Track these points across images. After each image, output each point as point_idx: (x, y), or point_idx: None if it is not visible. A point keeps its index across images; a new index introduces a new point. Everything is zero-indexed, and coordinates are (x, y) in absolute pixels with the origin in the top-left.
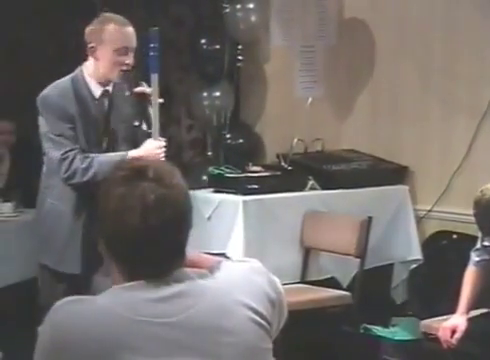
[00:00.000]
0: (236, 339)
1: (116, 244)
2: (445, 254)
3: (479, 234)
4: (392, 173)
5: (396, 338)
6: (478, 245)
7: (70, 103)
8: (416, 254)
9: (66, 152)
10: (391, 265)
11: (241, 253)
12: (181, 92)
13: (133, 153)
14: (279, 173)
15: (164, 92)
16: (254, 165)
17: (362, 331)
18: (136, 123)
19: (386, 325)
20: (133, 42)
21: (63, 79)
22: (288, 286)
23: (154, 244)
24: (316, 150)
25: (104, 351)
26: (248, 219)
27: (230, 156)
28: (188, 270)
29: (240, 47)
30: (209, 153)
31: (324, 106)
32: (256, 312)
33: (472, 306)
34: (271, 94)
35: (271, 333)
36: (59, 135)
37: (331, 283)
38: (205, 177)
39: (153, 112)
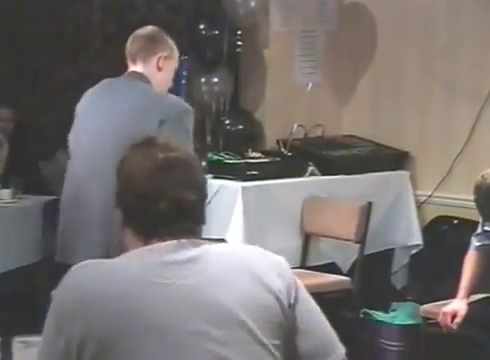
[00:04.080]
0: (239, 311)
1: (130, 205)
2: (445, 239)
3: (480, 219)
4: (393, 158)
5: (396, 323)
6: (479, 230)
7: None
8: (416, 239)
9: None
10: (391, 250)
11: (241, 239)
12: None
13: None
14: (279, 159)
15: None
16: (254, 151)
17: (362, 316)
18: None
19: (386, 310)
20: None
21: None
22: (294, 275)
23: (166, 202)
24: (316, 136)
25: (118, 311)
26: (247, 205)
27: (229, 142)
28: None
29: (239, 32)
30: (208, 139)
31: (324, 92)
32: (267, 286)
33: (472, 291)
34: (271, 80)
35: (283, 308)
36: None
37: (331, 268)
38: (204, 163)
39: None
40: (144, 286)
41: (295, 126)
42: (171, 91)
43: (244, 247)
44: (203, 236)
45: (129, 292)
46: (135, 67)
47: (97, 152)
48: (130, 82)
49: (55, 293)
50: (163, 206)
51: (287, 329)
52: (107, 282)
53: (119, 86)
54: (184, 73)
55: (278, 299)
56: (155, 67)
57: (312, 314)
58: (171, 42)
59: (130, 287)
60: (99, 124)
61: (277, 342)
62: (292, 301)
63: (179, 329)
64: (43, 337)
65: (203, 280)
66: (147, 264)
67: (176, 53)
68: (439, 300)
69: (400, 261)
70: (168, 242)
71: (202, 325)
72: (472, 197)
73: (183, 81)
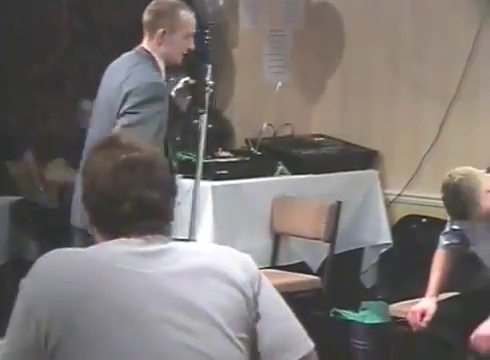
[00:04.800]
0: (206, 304)
1: (94, 205)
2: (414, 238)
3: (448, 218)
4: (362, 157)
5: (366, 322)
6: (447, 229)
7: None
8: (386, 238)
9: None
10: (361, 249)
11: (210, 238)
12: None
13: None
14: (248, 158)
15: None
16: (223, 150)
17: (332, 315)
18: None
19: (356, 309)
20: (195, 28)
21: (147, 65)
22: (260, 270)
23: (128, 202)
24: (285, 135)
25: (85, 294)
26: (217, 204)
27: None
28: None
29: (207, 31)
30: (178, 138)
31: (293, 91)
32: (232, 281)
33: (441, 289)
34: (240, 79)
35: (248, 302)
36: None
37: (301, 268)
38: (174, 163)
39: (206, 100)
40: (112, 272)
41: (264, 125)
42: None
43: (210, 245)
44: (175, 236)
45: (96, 277)
46: (143, 41)
47: (95, 124)
48: (126, 58)
49: (24, 280)
50: (126, 206)
51: (252, 322)
52: (76, 268)
53: (118, 62)
54: (206, 38)
55: (243, 293)
56: (156, 42)
57: (277, 306)
58: (182, 14)
59: (97, 273)
60: (98, 100)
61: (243, 335)
62: (256, 294)
63: (147, 315)
64: (11, 324)
65: (171, 272)
66: (115, 253)
67: (185, 24)
68: (408, 299)
69: (369, 260)
70: (133, 239)
71: (170, 313)
72: (440, 196)
73: (205, 46)
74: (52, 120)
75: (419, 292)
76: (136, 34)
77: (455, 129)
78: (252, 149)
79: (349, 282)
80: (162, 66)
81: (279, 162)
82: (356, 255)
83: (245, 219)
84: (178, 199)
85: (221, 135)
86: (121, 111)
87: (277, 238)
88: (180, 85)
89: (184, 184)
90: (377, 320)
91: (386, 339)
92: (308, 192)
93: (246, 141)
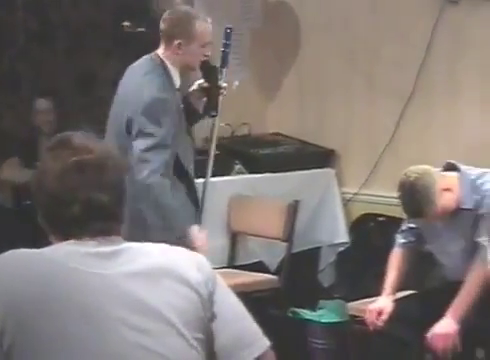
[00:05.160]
0: (160, 304)
1: (44, 207)
2: (371, 236)
3: (404, 216)
4: (319, 156)
5: (323, 321)
6: (403, 227)
7: (172, 100)
8: (343, 237)
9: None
10: (318, 248)
11: None
12: (105, 75)
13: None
14: (206, 158)
15: (88, 75)
16: None
17: (290, 315)
18: (213, 113)
19: (313, 308)
20: (211, 36)
21: (157, 73)
22: (215, 271)
23: (77, 204)
24: (243, 134)
25: (40, 293)
26: None
27: None
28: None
29: None
30: None
31: (250, 90)
32: (187, 281)
33: (398, 288)
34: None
35: (203, 302)
36: (160, 146)
37: (259, 267)
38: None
39: (220, 102)
40: (68, 272)
41: (222, 124)
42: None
43: (164, 246)
44: None
45: (53, 277)
46: (159, 48)
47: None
48: (141, 63)
49: None
50: (75, 209)
51: (207, 321)
52: (32, 268)
53: (134, 66)
54: (227, 42)
55: (198, 293)
56: (172, 52)
57: (231, 305)
58: (198, 25)
59: (54, 273)
60: (114, 101)
61: (199, 336)
62: (211, 294)
63: (104, 315)
64: None
65: (126, 273)
66: (70, 253)
67: (201, 35)
68: (366, 297)
69: (327, 259)
70: (85, 241)
71: (126, 314)
72: (397, 194)
73: (225, 50)
74: (6, 119)
75: (376, 290)
76: (91, 34)
77: (411, 128)
78: None
79: (307, 281)
80: (176, 73)
81: (236, 161)
82: (313, 254)
83: (202, 218)
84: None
85: None
86: (133, 132)
87: (234, 237)
88: (195, 87)
89: None
90: (334, 319)
91: (343, 338)
92: (265, 191)
93: (204, 140)
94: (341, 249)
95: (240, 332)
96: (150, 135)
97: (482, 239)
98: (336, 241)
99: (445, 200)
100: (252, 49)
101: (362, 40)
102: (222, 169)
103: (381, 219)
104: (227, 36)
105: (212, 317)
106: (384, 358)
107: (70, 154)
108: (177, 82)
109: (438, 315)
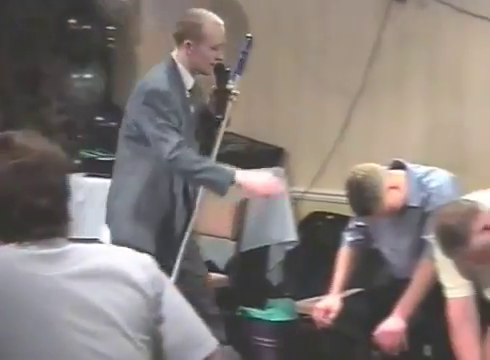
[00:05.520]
0: (105, 305)
1: None
2: (320, 235)
3: (352, 214)
4: (267, 155)
5: (272, 320)
6: (351, 225)
7: (176, 98)
8: (292, 236)
9: (180, 142)
10: (267, 247)
11: None
12: (51, 74)
13: (241, 176)
14: None
15: (33, 73)
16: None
17: (239, 313)
18: (219, 116)
19: (262, 307)
20: (224, 38)
21: (163, 69)
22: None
23: (17, 209)
24: None
25: None
26: (103, 204)
27: (102, 139)
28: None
29: (111, 28)
30: (80, 136)
31: None
32: (132, 282)
33: (346, 286)
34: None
35: (149, 302)
36: (172, 128)
37: (208, 266)
38: (77, 161)
39: (228, 107)
40: (15, 274)
41: None
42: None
43: (109, 247)
44: (77, 236)
45: (1, 279)
46: (174, 50)
47: None
48: (152, 71)
49: None
50: (14, 213)
51: (153, 322)
52: None
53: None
54: (246, 51)
55: (144, 294)
56: (184, 53)
57: (179, 306)
58: (207, 26)
59: (1, 275)
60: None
61: (144, 337)
62: (158, 294)
63: (53, 317)
64: None
65: (71, 274)
66: (15, 256)
67: (210, 36)
68: (315, 296)
69: (276, 258)
70: (29, 244)
71: (72, 316)
72: (345, 193)
73: (242, 58)
74: None
75: (325, 289)
76: (37, 32)
77: (359, 126)
78: None
79: (256, 280)
80: (187, 74)
81: None
82: (262, 253)
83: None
84: (82, 198)
85: None
86: (140, 122)
87: None
88: (210, 91)
89: (87, 183)
90: (283, 318)
91: (292, 336)
92: None
93: None
94: (290, 248)
95: (188, 333)
96: (158, 118)
97: (429, 237)
98: (285, 240)
99: (392, 198)
100: None
101: (310, 39)
102: None
103: (330, 217)
104: (247, 45)
105: (160, 318)
106: (332, 356)
107: (8, 156)
108: (188, 83)
109: (386, 313)
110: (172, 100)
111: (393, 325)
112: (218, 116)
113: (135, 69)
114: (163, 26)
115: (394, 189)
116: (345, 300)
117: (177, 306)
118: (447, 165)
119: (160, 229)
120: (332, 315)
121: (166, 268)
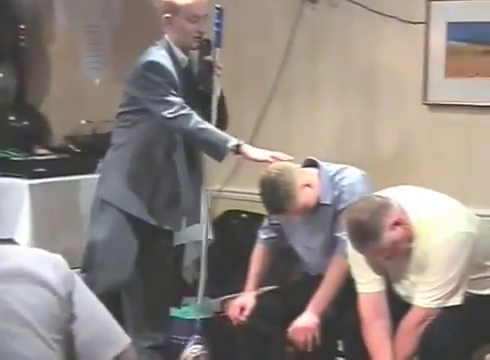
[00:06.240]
0: (18, 305)
1: None
2: (235, 233)
3: (266, 213)
4: None
5: (188, 318)
6: (265, 223)
7: (173, 71)
8: (207, 234)
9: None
10: (182, 245)
11: (29, 238)
12: None
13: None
14: (67, 156)
15: None
16: (41, 148)
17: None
18: (201, 87)
19: (178, 305)
20: (203, 10)
21: (157, 47)
22: (73, 271)
23: None
24: (105, 132)
25: None
26: (35, 203)
27: (15, 139)
28: None
29: (23, 26)
30: None
31: (112, 87)
32: (44, 282)
33: (261, 283)
34: (57, 75)
35: (61, 301)
36: (171, 93)
37: None
38: None
39: (215, 81)
40: None
41: (83, 122)
42: None
43: (20, 247)
44: None
45: None
46: None
47: None
48: (147, 51)
49: None
50: None
51: (65, 321)
52: None
53: None
54: (219, 22)
55: (55, 293)
56: (168, 29)
57: (90, 305)
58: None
59: None
60: None
61: (57, 336)
62: (69, 293)
63: None
64: None
65: None
66: None
67: (186, 7)
68: (231, 294)
69: (191, 256)
70: None
71: None
72: (258, 191)
73: (217, 30)
74: None
75: (241, 287)
76: None
77: (272, 125)
78: (71, 146)
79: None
80: (179, 52)
81: (99, 159)
82: (178, 251)
83: (65, 217)
84: None
85: (38, 132)
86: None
87: None
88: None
89: (2, 183)
90: (199, 315)
91: (208, 334)
92: None
93: (65, 138)
94: None
95: (100, 331)
96: (156, 87)
97: (341, 234)
98: (200, 238)
99: (305, 196)
100: (114, 46)
101: (225, 38)
102: (85, 167)
103: (244, 216)
104: (218, 16)
105: (71, 318)
106: (248, 353)
107: None
108: (183, 61)
109: (300, 309)
110: (167, 72)
111: (306, 321)
112: (200, 87)
113: (48, 68)
114: (76, 25)
115: (307, 187)
116: (260, 297)
117: (89, 305)
118: (358, 163)
119: (152, 194)
120: (247, 312)
121: (151, 229)
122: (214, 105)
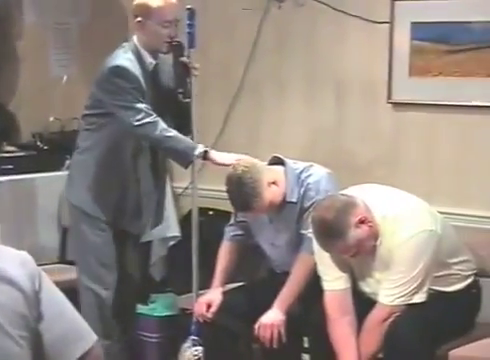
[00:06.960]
0: None
1: None
2: (202, 230)
3: (233, 210)
4: None
5: (155, 314)
6: (232, 220)
7: (139, 76)
8: (174, 231)
9: (148, 109)
10: (149, 242)
11: None
12: None
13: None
14: (35, 153)
15: None
16: (8, 145)
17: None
18: (180, 90)
19: (145, 302)
20: (176, 14)
21: (123, 50)
22: (47, 266)
23: None
24: (73, 129)
25: None
26: (2, 200)
27: None
28: None
29: None
30: None
31: (80, 85)
32: (9, 279)
33: (227, 280)
34: (25, 72)
35: (27, 299)
36: (136, 100)
37: None
38: None
39: (193, 82)
40: None
41: (51, 119)
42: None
43: None
44: None
45: None
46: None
47: None
48: (113, 53)
49: None
50: None
51: (33, 319)
52: None
53: None
54: (189, 22)
55: (21, 290)
56: (139, 32)
57: (57, 303)
58: (154, 2)
59: None
60: None
61: (24, 333)
62: (36, 290)
63: None
64: None
65: None
66: None
67: (158, 12)
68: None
69: (158, 253)
70: None
71: None
72: (225, 188)
73: (190, 30)
74: None
75: (208, 283)
76: None
77: (239, 123)
78: (38, 143)
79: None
80: (147, 55)
81: (67, 156)
82: (144, 248)
83: (32, 214)
84: None
85: (6, 129)
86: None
87: (65, 233)
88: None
89: None
90: (166, 312)
91: (174, 331)
92: None
93: (32, 135)
94: (172, 243)
95: (67, 328)
96: (121, 93)
97: (307, 231)
98: (167, 235)
99: (271, 193)
100: (82, 44)
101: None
102: (52, 165)
103: (211, 213)
104: (190, 17)
105: (39, 315)
106: (215, 349)
107: None
108: (150, 65)
109: (266, 306)
110: (134, 78)
111: (272, 318)
112: (179, 90)
113: (16, 65)
114: (44, 22)
115: (273, 185)
116: (226, 294)
117: (56, 302)
118: (325, 161)
119: (119, 198)
120: (213, 309)
121: (119, 234)
122: (194, 107)
